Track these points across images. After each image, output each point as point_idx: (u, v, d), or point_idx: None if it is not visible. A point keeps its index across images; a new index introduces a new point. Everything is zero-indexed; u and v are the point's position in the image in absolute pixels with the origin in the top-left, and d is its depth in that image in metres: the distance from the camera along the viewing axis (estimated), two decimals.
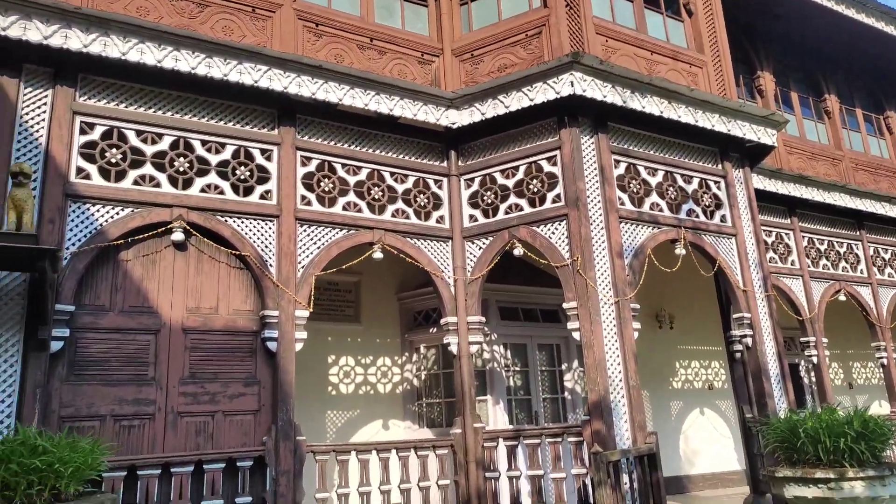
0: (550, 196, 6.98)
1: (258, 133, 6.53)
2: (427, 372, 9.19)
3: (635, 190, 7.30)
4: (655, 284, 11.04)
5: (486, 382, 8.93)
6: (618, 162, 7.25)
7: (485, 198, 7.34)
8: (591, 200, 6.88)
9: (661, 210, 7.42)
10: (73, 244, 5.54)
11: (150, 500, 5.32)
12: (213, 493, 5.56)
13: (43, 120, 5.64)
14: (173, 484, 5.43)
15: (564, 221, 6.81)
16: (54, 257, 4.85)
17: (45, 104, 5.67)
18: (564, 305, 6.67)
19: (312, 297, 6.40)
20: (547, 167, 7.06)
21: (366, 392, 8.99)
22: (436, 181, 7.45)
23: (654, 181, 7.49)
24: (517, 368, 9.26)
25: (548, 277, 9.80)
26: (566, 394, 9.35)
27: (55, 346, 5.25)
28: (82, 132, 5.80)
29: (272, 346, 6.11)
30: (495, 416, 8.60)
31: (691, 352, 11.67)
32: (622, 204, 7.12)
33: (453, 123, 7.21)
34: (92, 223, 5.66)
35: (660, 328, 11.25)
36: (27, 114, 5.59)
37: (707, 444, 11.11)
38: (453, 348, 7.01)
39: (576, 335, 6.55)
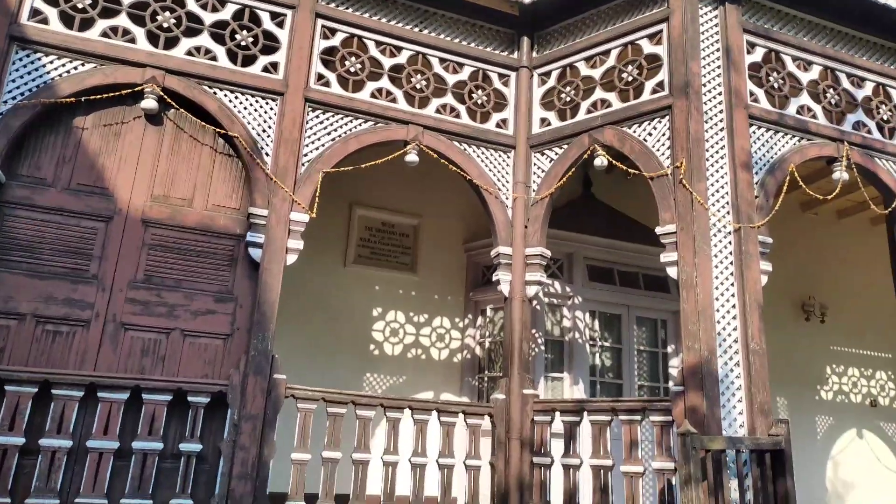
0: (650, 85, 5.04)
1: None
2: (492, 339, 7.41)
3: (776, 86, 5.18)
4: (804, 263, 8.67)
5: (563, 356, 7.05)
6: (753, 45, 5.18)
7: (562, 95, 5.52)
8: (709, 90, 4.87)
9: (813, 116, 5.24)
10: (15, 98, 4.42)
11: (64, 428, 4.01)
12: (150, 433, 4.16)
13: None
14: (99, 412, 4.10)
15: (667, 116, 4.85)
16: None
17: None
18: (658, 230, 4.70)
19: (317, 200, 4.91)
20: (648, 47, 5.14)
21: (416, 356, 7.38)
22: (500, 76, 5.74)
23: (805, 77, 5.32)
24: (607, 344, 7.26)
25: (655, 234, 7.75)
26: (670, 383, 7.21)
27: None
28: None
29: (255, 253, 4.67)
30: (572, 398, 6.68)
31: (849, 355, 9.00)
32: (755, 101, 5.04)
33: None
34: (41, 76, 4.51)
35: (806, 320, 8.74)
36: None
37: (866, 476, 8.43)
38: (504, 287, 5.23)
39: (671, 271, 4.56)
